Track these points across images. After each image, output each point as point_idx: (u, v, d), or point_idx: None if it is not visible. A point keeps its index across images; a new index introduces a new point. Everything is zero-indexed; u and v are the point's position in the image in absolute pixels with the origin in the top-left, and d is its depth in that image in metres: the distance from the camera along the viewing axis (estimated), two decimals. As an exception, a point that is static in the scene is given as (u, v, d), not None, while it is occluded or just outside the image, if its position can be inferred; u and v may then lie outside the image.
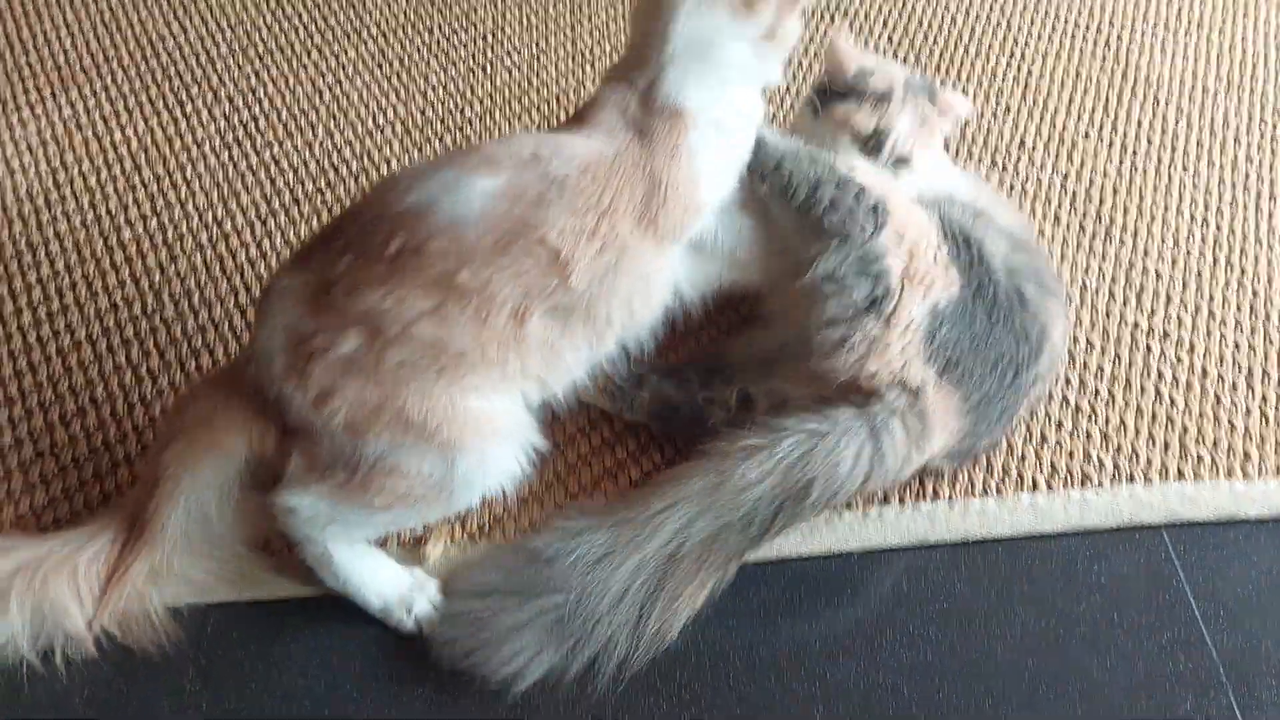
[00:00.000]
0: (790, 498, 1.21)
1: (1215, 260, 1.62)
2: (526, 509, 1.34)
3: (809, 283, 1.25)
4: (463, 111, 1.85)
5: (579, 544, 1.20)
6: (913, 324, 1.24)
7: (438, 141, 1.80)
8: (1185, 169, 1.76)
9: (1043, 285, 1.31)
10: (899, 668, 1.23)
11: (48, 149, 1.77)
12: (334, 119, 1.83)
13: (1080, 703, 1.21)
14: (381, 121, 1.83)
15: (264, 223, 1.66)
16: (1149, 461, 1.40)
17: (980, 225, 1.31)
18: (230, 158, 1.76)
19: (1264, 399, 1.46)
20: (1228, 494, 1.37)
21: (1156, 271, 1.61)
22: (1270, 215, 1.69)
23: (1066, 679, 1.22)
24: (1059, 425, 1.43)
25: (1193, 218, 1.68)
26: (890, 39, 1.98)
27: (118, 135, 1.79)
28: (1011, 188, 1.72)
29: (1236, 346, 1.52)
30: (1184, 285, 1.59)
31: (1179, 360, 1.50)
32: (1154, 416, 1.44)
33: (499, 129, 1.82)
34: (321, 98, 1.86)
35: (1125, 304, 1.57)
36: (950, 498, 1.36)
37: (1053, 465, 1.39)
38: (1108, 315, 1.55)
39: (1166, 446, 1.41)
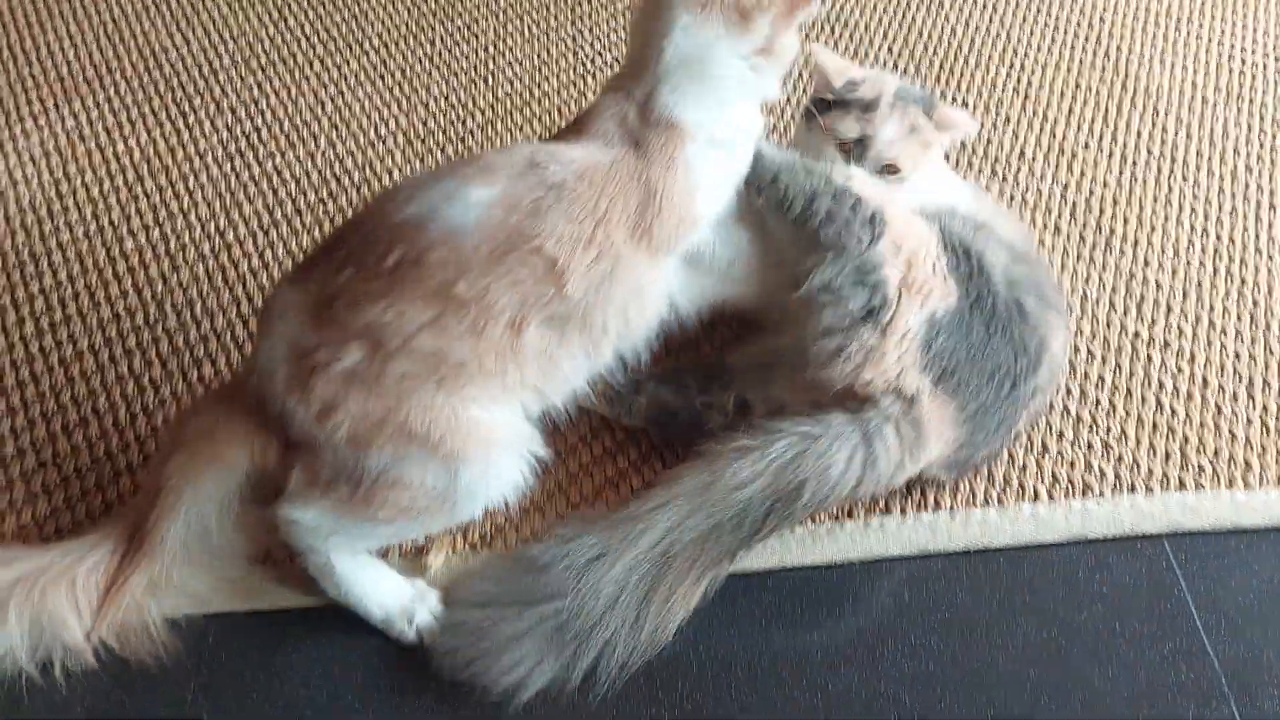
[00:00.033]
0: (782, 498, 1.21)
1: (1215, 270, 1.63)
2: (528, 519, 1.34)
3: (806, 293, 1.25)
4: (464, 122, 1.85)
5: (572, 547, 1.20)
6: (909, 333, 1.24)
7: (439, 152, 1.81)
8: (1185, 179, 1.76)
9: (1043, 298, 1.31)
10: (900, 678, 1.23)
11: (50, 160, 1.77)
12: (336, 130, 1.83)
13: (1082, 713, 1.20)
14: (384, 132, 1.83)
15: (266, 233, 1.67)
16: (1150, 471, 1.40)
17: (981, 237, 1.31)
18: (233, 168, 1.77)
19: (1265, 409, 1.46)
20: (1229, 504, 1.37)
21: (1157, 281, 1.61)
22: (1270, 225, 1.69)
23: (1068, 689, 1.22)
24: (1060, 435, 1.43)
25: (1193, 228, 1.69)
26: (890, 50, 1.99)
27: (120, 146, 1.80)
28: (1012, 198, 1.72)
29: (1237, 356, 1.52)
30: (1184, 295, 1.59)
31: (1180, 370, 1.50)
32: (1155, 426, 1.44)
33: (501, 140, 1.83)
34: (324, 109, 1.87)
35: (1126, 314, 1.57)
36: (951, 508, 1.36)
37: (1054, 475, 1.39)
38: (1108, 325, 1.55)
39: (1168, 456, 1.41)
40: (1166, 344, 1.53)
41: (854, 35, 2.01)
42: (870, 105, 1.37)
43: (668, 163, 1.19)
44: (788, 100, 1.83)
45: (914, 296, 1.25)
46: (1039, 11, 2.07)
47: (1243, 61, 1.97)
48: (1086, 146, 1.81)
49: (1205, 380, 1.49)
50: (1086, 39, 2.01)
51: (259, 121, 1.84)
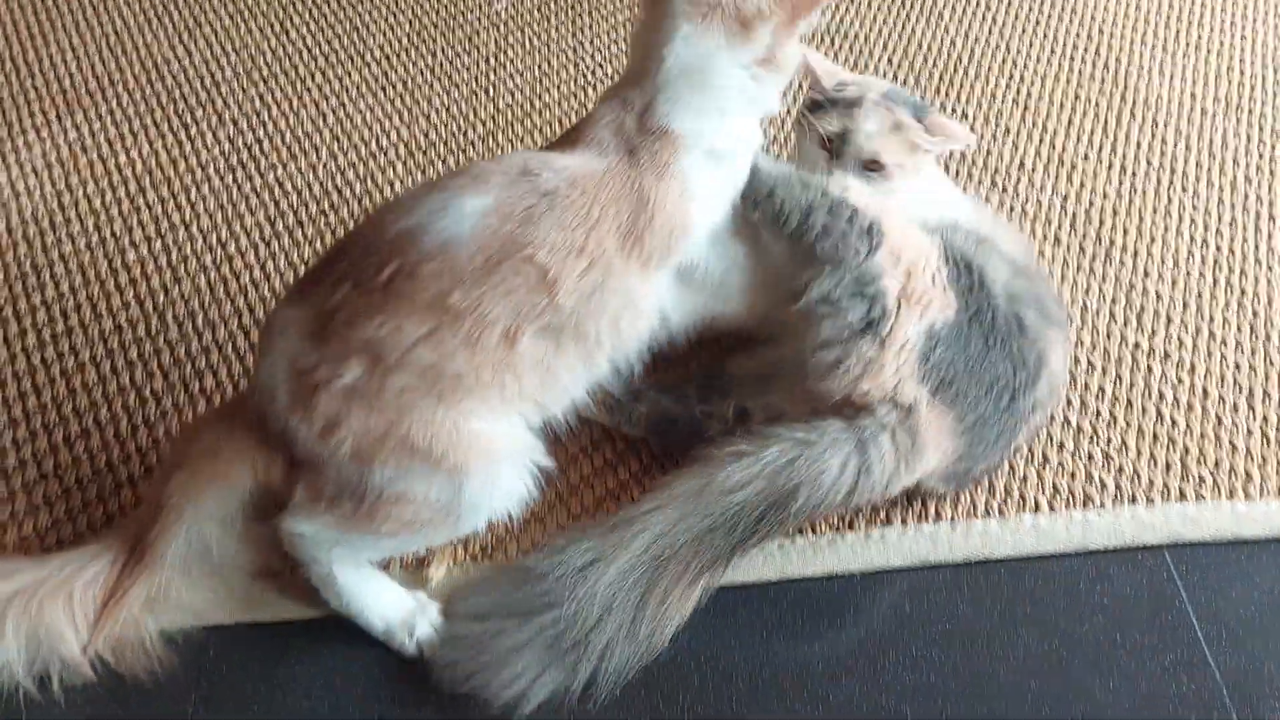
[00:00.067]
0: (776, 502, 1.21)
1: (1215, 281, 1.63)
2: (529, 530, 1.34)
3: (804, 306, 1.26)
4: (465, 134, 1.86)
5: (567, 554, 1.20)
6: (908, 344, 1.24)
7: (441, 164, 1.81)
8: (1185, 190, 1.76)
9: (1044, 313, 1.31)
10: (902, 689, 1.23)
11: (53, 171, 1.78)
12: (338, 142, 1.84)
13: (1084, 724, 1.21)
14: (385, 144, 1.84)
15: (268, 244, 1.67)
16: (1150, 482, 1.40)
17: (983, 251, 1.31)
18: (234, 180, 1.77)
19: (1265, 419, 1.46)
20: (1229, 515, 1.37)
21: (1157, 292, 1.61)
22: (1270, 236, 1.70)
23: (1069, 701, 1.22)
24: (1060, 446, 1.43)
25: (1192, 238, 1.69)
26: (890, 61, 1.99)
27: (122, 158, 1.81)
28: (1011, 209, 1.73)
29: (1237, 367, 1.52)
30: (1184, 306, 1.60)
31: (1180, 381, 1.51)
32: (1155, 437, 1.44)
33: (502, 151, 1.84)
34: (325, 121, 1.88)
35: (1126, 325, 1.57)
36: (952, 519, 1.36)
37: (1054, 486, 1.39)
38: (1108, 336, 1.56)
39: (1168, 467, 1.41)
40: (1167, 355, 1.53)
41: (854, 46, 2.02)
42: (855, 103, 1.37)
43: (662, 171, 1.19)
44: (787, 111, 1.83)
45: (913, 307, 1.25)
46: (1038, 23, 2.07)
47: (1242, 73, 1.98)
48: (1086, 158, 1.81)
49: (1205, 391, 1.49)
50: (1086, 50, 2.02)
51: (261, 133, 1.85)
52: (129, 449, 1.42)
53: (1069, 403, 1.47)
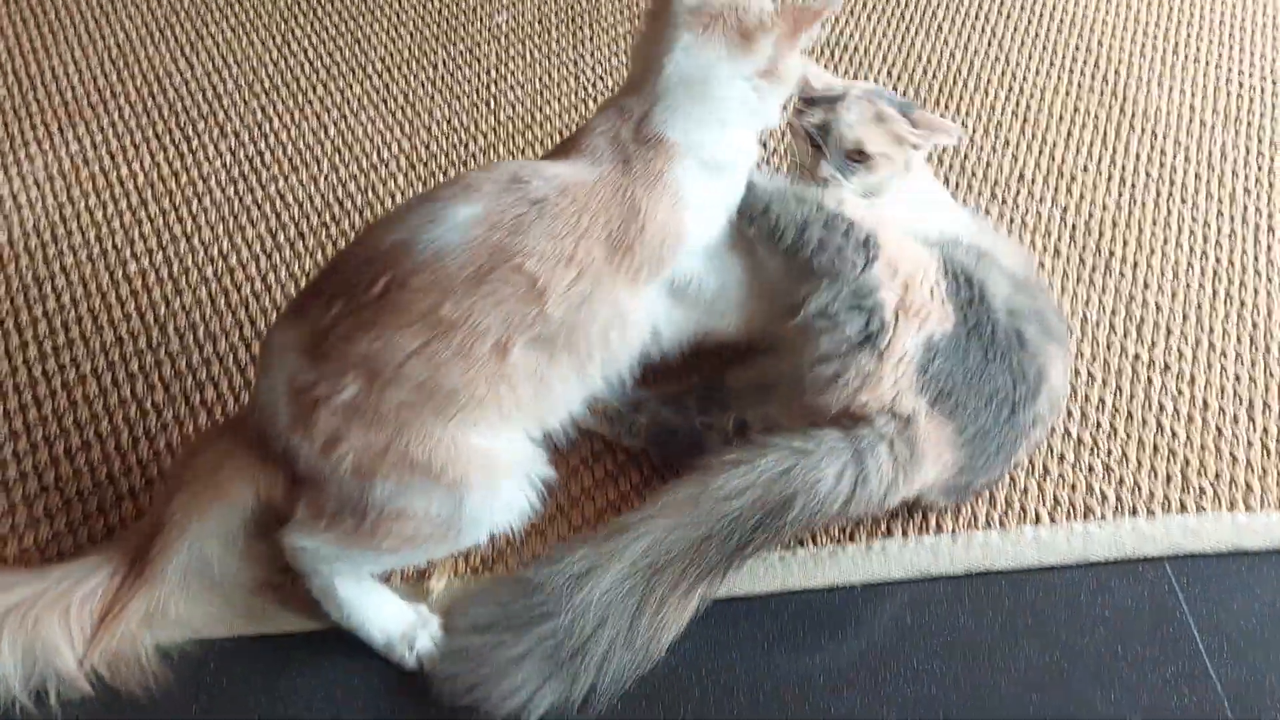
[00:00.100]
0: (771, 511, 1.21)
1: (1215, 293, 1.63)
2: (530, 542, 1.34)
3: (802, 320, 1.25)
4: (466, 146, 1.86)
5: (564, 564, 1.20)
6: (906, 356, 1.24)
7: (442, 175, 1.81)
8: (1184, 202, 1.77)
9: (1045, 328, 1.31)
10: (903, 701, 1.23)
11: (54, 184, 1.78)
12: (339, 153, 1.84)
13: (1085, 737, 1.20)
14: (386, 156, 1.84)
15: (269, 256, 1.68)
16: (1151, 494, 1.40)
17: (984, 266, 1.31)
18: (236, 192, 1.78)
19: (1265, 431, 1.46)
20: (1230, 526, 1.37)
21: (1156, 304, 1.62)
22: (1269, 248, 1.70)
23: (1071, 713, 1.22)
24: (1061, 458, 1.43)
25: (1192, 250, 1.69)
26: (890, 73, 2.00)
27: (124, 170, 1.81)
28: (1011, 221, 1.73)
29: (1237, 379, 1.52)
30: (1184, 318, 1.60)
31: (1180, 392, 1.51)
32: (1155, 449, 1.45)
33: (502, 163, 1.84)
34: (326, 132, 1.88)
35: (1126, 336, 1.57)
36: (953, 530, 1.36)
37: (1055, 498, 1.39)
38: (1108, 348, 1.56)
39: (1168, 479, 1.41)
40: (1166, 366, 1.54)
41: (854, 58, 2.03)
42: (838, 98, 1.38)
43: (655, 180, 1.18)
44: (787, 124, 1.84)
45: (911, 319, 1.25)
46: (1037, 35, 2.08)
47: (1240, 85, 1.98)
48: (1086, 169, 1.82)
49: (1205, 403, 1.50)
50: (1085, 63, 2.02)
51: (262, 145, 1.86)
52: (130, 461, 1.42)
53: (1069, 414, 1.47)
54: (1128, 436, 1.46)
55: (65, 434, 1.45)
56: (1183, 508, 1.39)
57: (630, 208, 1.17)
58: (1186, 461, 1.43)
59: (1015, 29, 2.09)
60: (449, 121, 1.91)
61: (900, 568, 1.33)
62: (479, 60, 2.03)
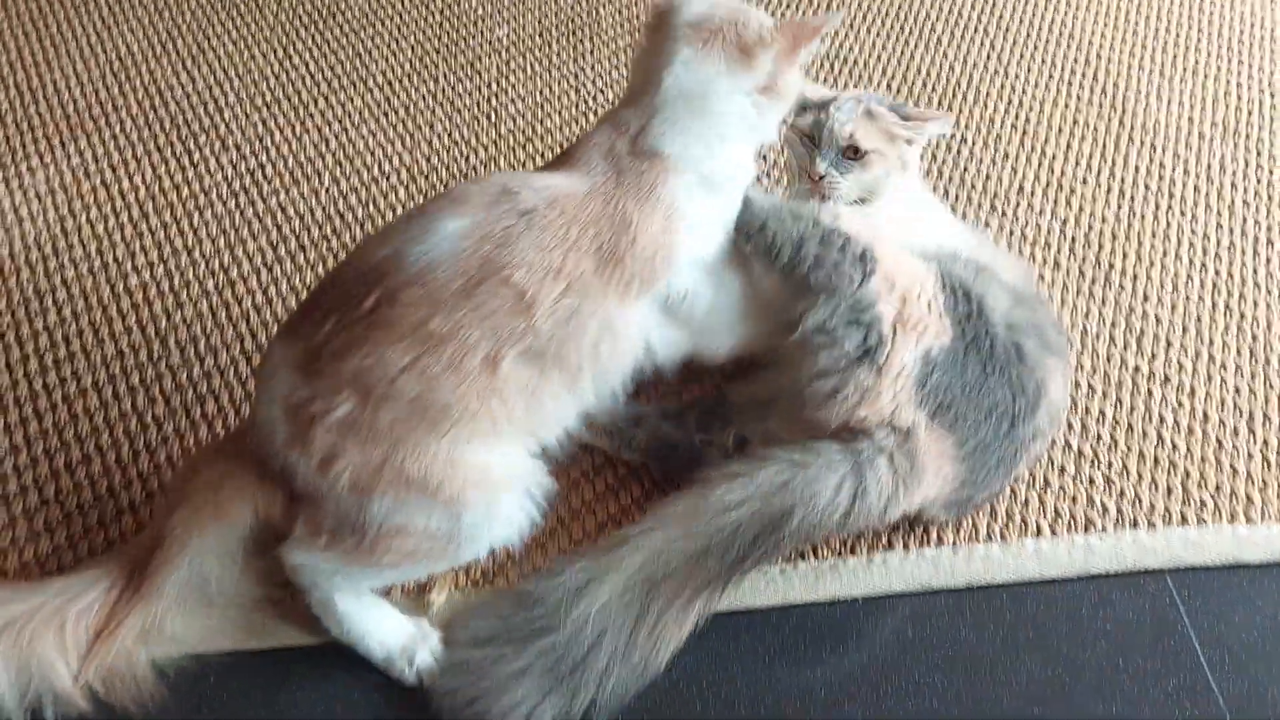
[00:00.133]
0: (770, 524, 1.21)
1: (1214, 305, 1.63)
2: (531, 555, 1.33)
3: (800, 337, 1.25)
4: (467, 159, 1.87)
5: (563, 577, 1.20)
6: (905, 370, 1.24)
7: (443, 188, 1.82)
8: (1183, 214, 1.77)
9: (1044, 341, 1.31)
10: (904, 715, 1.22)
11: (56, 197, 1.79)
12: (340, 166, 1.85)
13: (1087, 751, 1.20)
14: (387, 169, 1.85)
15: (270, 269, 1.68)
16: (1152, 506, 1.40)
17: (983, 280, 1.31)
18: (237, 205, 1.78)
19: (1265, 443, 1.47)
20: (1231, 539, 1.37)
21: (1156, 316, 1.62)
22: (1268, 260, 1.70)
23: (1073, 727, 1.22)
24: (1062, 470, 1.43)
25: (1191, 262, 1.69)
26: (889, 86, 2.00)
27: (125, 183, 1.81)
28: (1011, 233, 1.74)
29: (1237, 391, 1.52)
30: (1184, 329, 1.60)
31: (1180, 404, 1.51)
32: (1156, 461, 1.45)
33: (503, 176, 1.84)
34: (328, 145, 1.89)
35: (1126, 348, 1.57)
36: (954, 543, 1.36)
37: (1056, 510, 1.39)
38: (1108, 360, 1.56)
39: (1169, 491, 1.41)
40: (1167, 378, 1.54)
41: (854, 72, 2.03)
42: (830, 100, 1.40)
43: (647, 193, 1.17)
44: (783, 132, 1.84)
45: (909, 333, 1.25)
46: (1036, 48, 2.09)
47: (1239, 97, 1.99)
48: (1085, 182, 1.82)
49: (1206, 415, 1.50)
50: (1083, 75, 2.03)
51: (264, 158, 1.86)
52: (130, 474, 1.42)
53: (1070, 426, 1.47)
54: (1128, 449, 1.46)
55: (66, 447, 1.45)
56: (1183, 520, 1.38)
57: (621, 220, 1.16)
58: (1187, 474, 1.43)
59: (1014, 42, 2.10)
60: (450, 134, 1.91)
61: (901, 581, 1.33)
62: (480, 73, 2.04)
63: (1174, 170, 1.84)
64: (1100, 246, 1.72)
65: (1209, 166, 1.85)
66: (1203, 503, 1.40)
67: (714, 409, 1.39)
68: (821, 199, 1.38)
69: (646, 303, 1.20)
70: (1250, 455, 1.45)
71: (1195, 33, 2.13)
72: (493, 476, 1.16)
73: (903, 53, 2.07)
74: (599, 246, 1.15)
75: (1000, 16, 2.16)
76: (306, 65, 2.04)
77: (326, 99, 1.97)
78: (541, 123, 1.94)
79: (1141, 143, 1.89)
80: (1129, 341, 1.58)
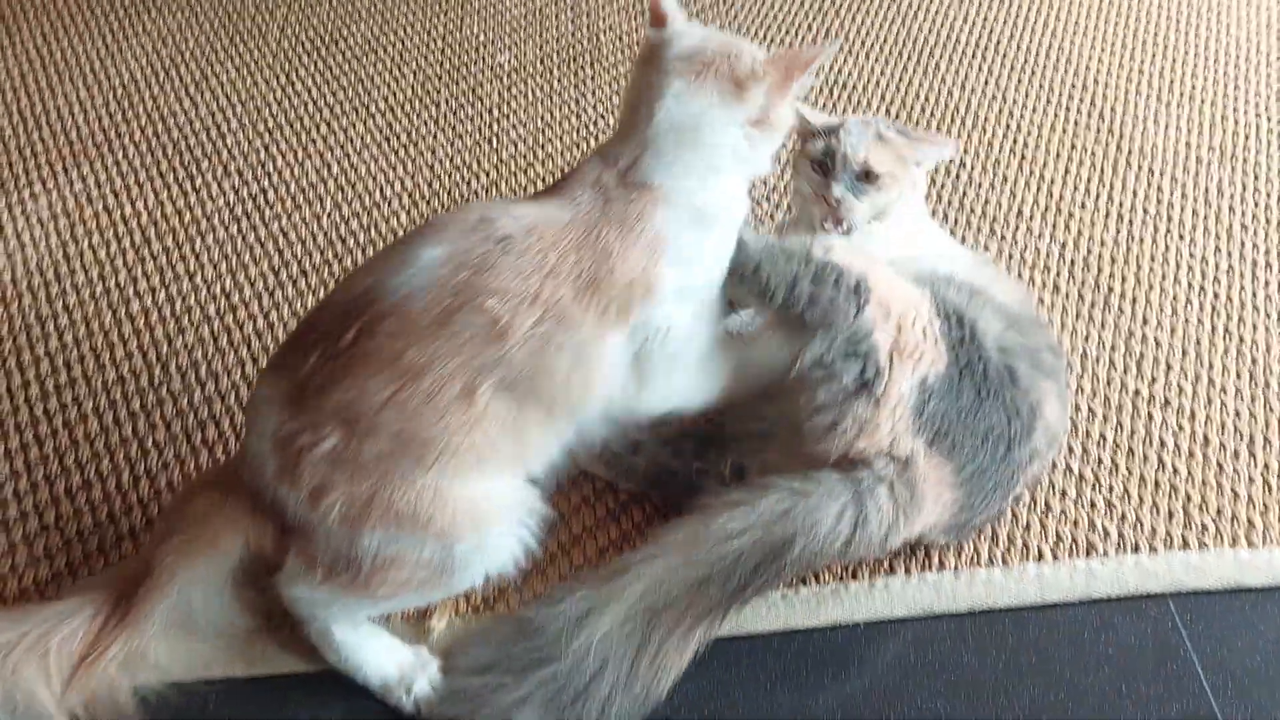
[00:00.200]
0: (770, 552, 1.20)
1: (1214, 328, 1.64)
2: (531, 581, 1.33)
3: (798, 373, 1.24)
4: (469, 184, 1.88)
5: (564, 606, 1.19)
6: (902, 400, 1.24)
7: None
8: (1181, 238, 1.78)
9: (1037, 364, 1.31)
10: (907, 742, 1.22)
11: (58, 223, 1.79)
12: (342, 192, 1.86)
13: (1091, 777, 1.19)
14: (389, 194, 1.85)
15: (272, 294, 1.68)
16: (1154, 530, 1.40)
17: (976, 304, 1.31)
18: (239, 230, 1.79)
19: (1266, 467, 1.46)
20: (1233, 563, 1.36)
21: (1156, 339, 1.62)
22: (1266, 283, 1.71)
23: (1076, 753, 1.21)
24: (1063, 493, 1.43)
25: (1190, 286, 1.70)
26: (888, 112, 2.01)
27: (128, 209, 1.82)
28: (1010, 257, 1.74)
29: (1237, 414, 1.53)
30: (1183, 353, 1.60)
31: (1181, 428, 1.51)
32: (1157, 485, 1.44)
33: (504, 201, 1.85)
34: (330, 171, 1.90)
35: (1126, 372, 1.58)
36: (956, 568, 1.36)
37: (1057, 534, 1.39)
38: (1108, 383, 1.56)
39: (1171, 515, 1.41)
40: (1167, 402, 1.54)
41: (852, 97, 2.04)
42: (839, 125, 1.42)
43: (631, 224, 1.15)
44: (779, 175, 1.85)
45: (905, 361, 1.25)
46: (1034, 73, 2.10)
47: (1235, 121, 2.00)
48: (1083, 206, 1.83)
49: (1206, 438, 1.50)
50: (1081, 100, 2.04)
51: (265, 184, 1.87)
52: (130, 500, 1.42)
53: (1071, 450, 1.47)
54: (1129, 472, 1.46)
55: (66, 473, 1.45)
56: (1185, 544, 1.38)
57: (602, 249, 1.14)
58: (1188, 497, 1.43)
59: (1012, 68, 2.11)
60: (451, 160, 1.92)
61: (903, 605, 1.33)
62: (481, 99, 2.05)
63: (1172, 194, 1.85)
64: (1099, 270, 1.72)
65: (1207, 190, 1.86)
66: (1204, 526, 1.40)
67: (711, 438, 1.38)
68: (836, 223, 1.40)
69: (624, 336, 1.17)
70: (1251, 479, 1.45)
71: (1192, 58, 2.14)
72: (483, 508, 1.15)
73: (901, 78, 2.09)
74: (578, 275, 1.13)
75: (998, 42, 2.18)
76: (309, 91, 2.06)
77: (329, 125, 1.98)
78: (543, 148, 1.95)
79: (1139, 167, 1.90)
80: (1129, 365, 1.58)
